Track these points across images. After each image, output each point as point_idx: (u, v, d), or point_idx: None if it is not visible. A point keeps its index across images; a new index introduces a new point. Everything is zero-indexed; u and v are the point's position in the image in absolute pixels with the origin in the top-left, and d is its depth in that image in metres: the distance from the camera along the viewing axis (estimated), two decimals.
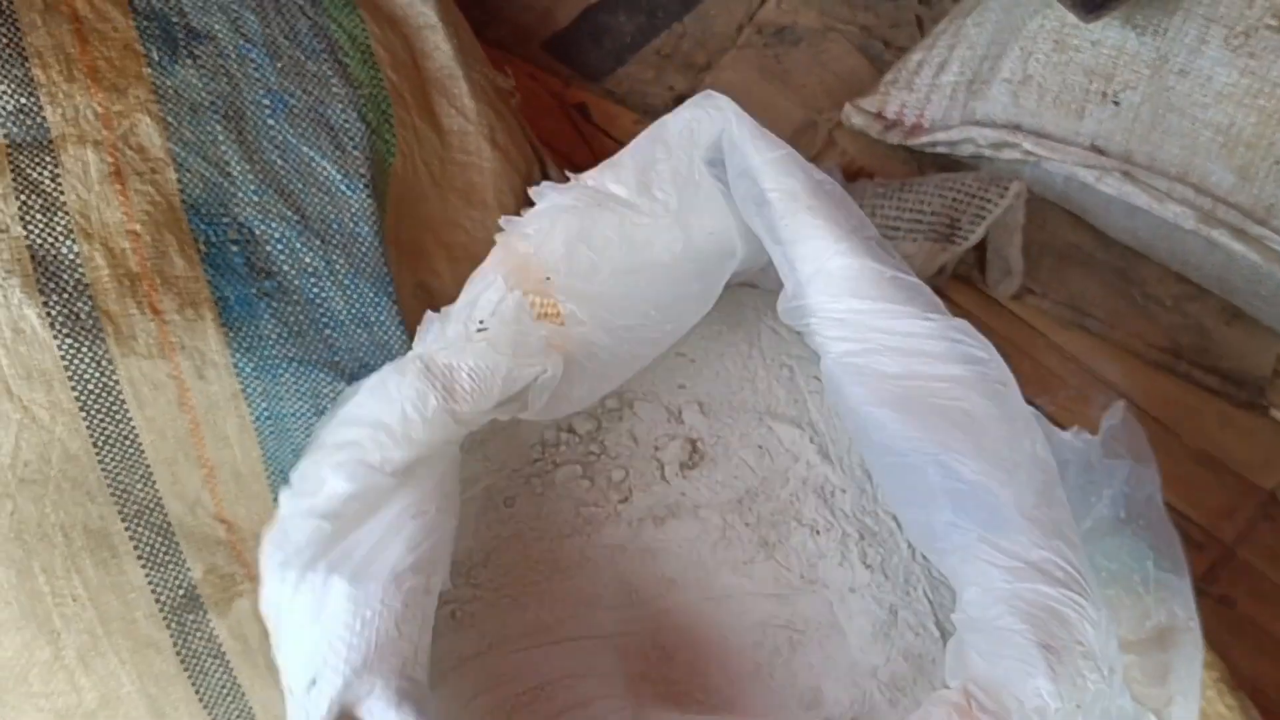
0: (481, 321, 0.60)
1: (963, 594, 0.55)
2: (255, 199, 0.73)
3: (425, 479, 0.61)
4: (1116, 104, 0.91)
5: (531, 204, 0.68)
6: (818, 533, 0.68)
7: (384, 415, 0.57)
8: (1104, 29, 0.90)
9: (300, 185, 0.75)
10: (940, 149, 1.04)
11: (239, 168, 0.73)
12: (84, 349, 0.66)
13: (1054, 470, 0.59)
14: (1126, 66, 0.90)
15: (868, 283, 0.62)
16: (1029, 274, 1.01)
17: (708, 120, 0.66)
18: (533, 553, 0.67)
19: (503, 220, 0.65)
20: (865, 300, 0.62)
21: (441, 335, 0.61)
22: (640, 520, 0.69)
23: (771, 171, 0.65)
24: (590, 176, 0.65)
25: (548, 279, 0.61)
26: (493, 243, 0.68)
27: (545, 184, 0.66)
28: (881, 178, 1.05)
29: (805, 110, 1.14)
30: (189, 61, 0.74)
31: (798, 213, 0.63)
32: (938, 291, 0.97)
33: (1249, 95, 0.85)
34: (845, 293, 0.62)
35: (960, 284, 1.02)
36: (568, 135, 1.11)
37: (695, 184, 0.66)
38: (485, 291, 0.61)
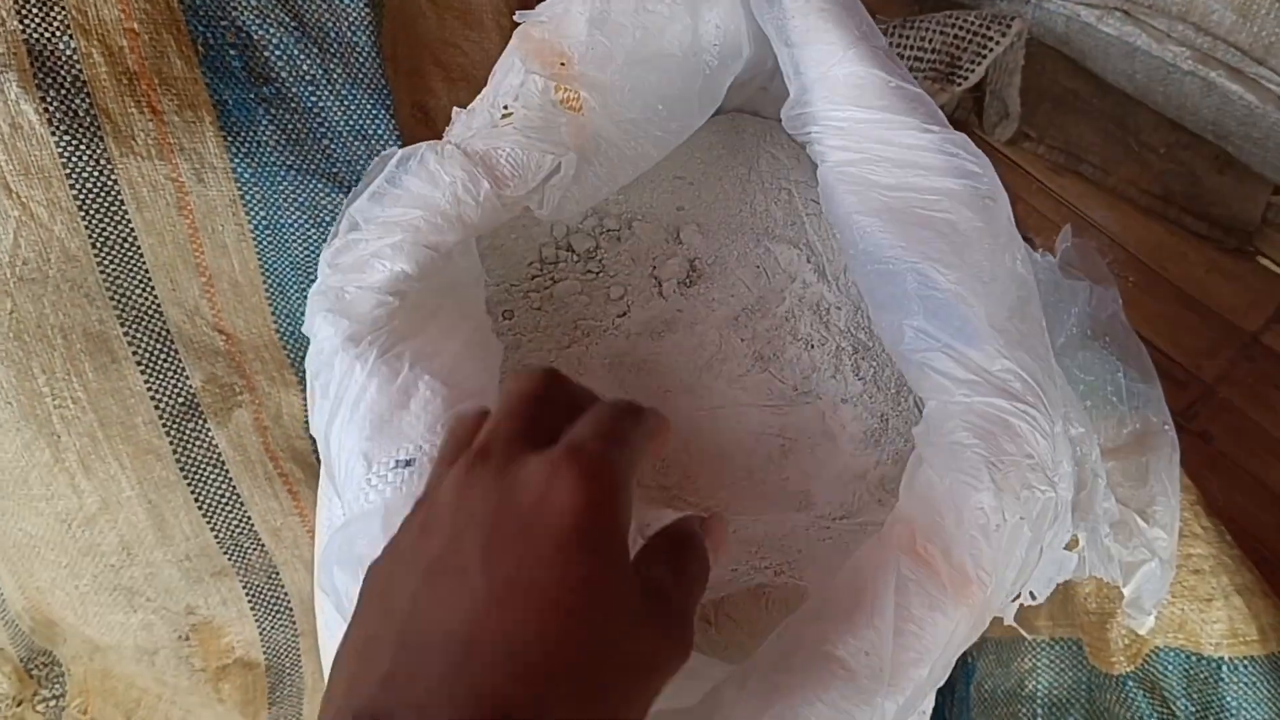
0: (506, 107, 0.60)
1: (926, 406, 0.56)
2: (254, 3, 0.71)
3: (463, 273, 0.62)
4: None
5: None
6: (812, 347, 0.69)
7: (435, 198, 0.56)
8: None
9: None
10: None
11: None
12: (82, 146, 0.65)
13: (1032, 286, 0.59)
14: None
15: (871, 91, 0.62)
16: (1025, 119, 1.01)
17: None
18: (530, 361, 0.68)
19: (518, 14, 0.64)
20: (867, 109, 0.61)
21: (468, 126, 0.60)
22: (637, 334, 0.69)
23: None
24: None
25: (563, 64, 0.61)
26: (491, 64, 0.67)
27: None
28: (883, 16, 1.03)
29: None
30: None
31: (809, 14, 0.63)
32: None
33: None
34: (848, 100, 0.62)
35: (958, 127, 1.01)
36: None
37: None
38: (507, 76, 0.61)
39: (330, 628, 0.70)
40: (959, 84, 0.95)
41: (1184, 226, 0.98)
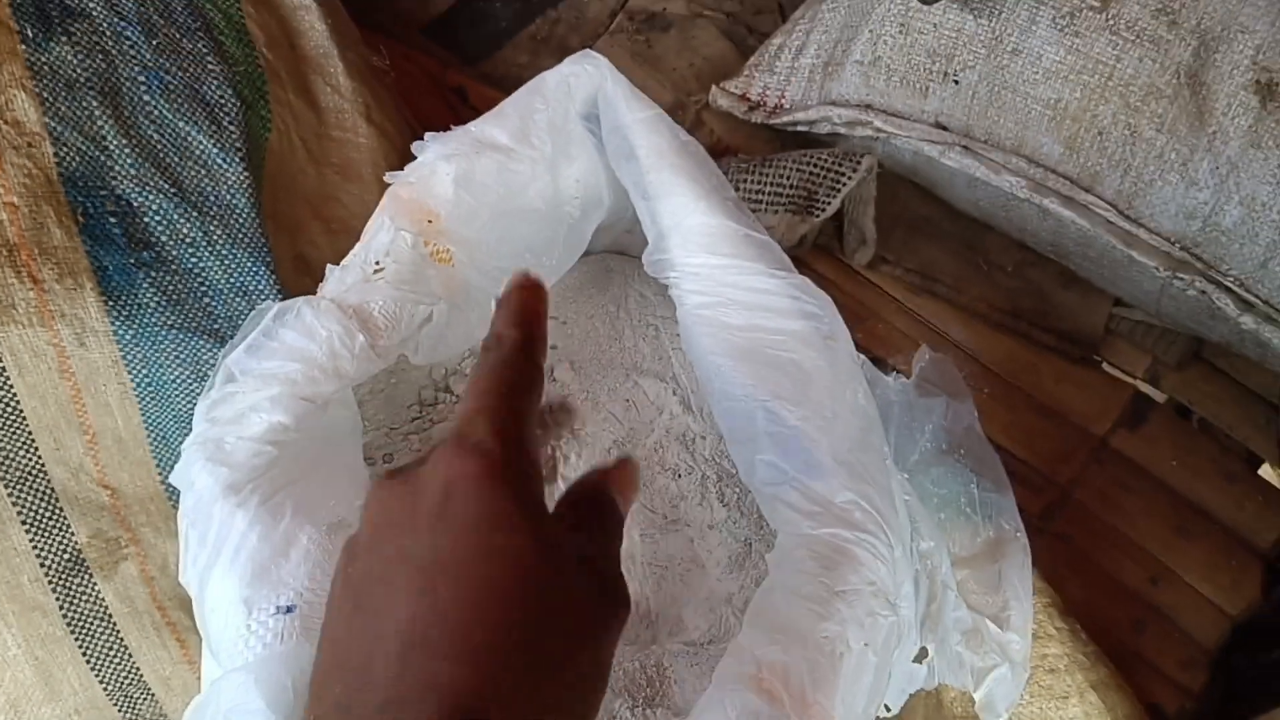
0: (378, 263, 0.63)
1: (778, 536, 0.60)
2: (132, 172, 0.75)
3: (340, 422, 0.65)
4: (957, 83, 0.98)
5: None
6: (679, 476, 0.73)
7: (312, 351, 0.59)
8: (944, 12, 0.96)
9: (177, 159, 0.77)
10: (800, 128, 1.09)
11: (115, 142, 0.75)
12: None
13: (873, 418, 0.64)
14: (965, 47, 0.96)
15: (722, 239, 0.66)
16: (882, 243, 1.07)
17: (585, 76, 0.70)
18: None
19: (388, 176, 0.68)
20: (718, 256, 0.66)
21: (341, 281, 0.64)
22: None
23: (641, 129, 0.69)
24: (473, 125, 0.69)
25: (430, 221, 0.65)
26: (370, 215, 0.71)
27: (428, 134, 0.69)
28: (745, 154, 1.10)
29: (675, 93, 1.18)
30: (64, 39, 0.75)
31: (663, 170, 0.68)
32: (799, 261, 1.03)
33: (1074, 72, 0.92)
34: (701, 248, 0.67)
35: (821, 253, 1.08)
36: (445, 116, 1.13)
37: (569, 135, 0.70)
38: (377, 235, 0.64)
39: None
40: (817, 215, 1.01)
41: (1033, 340, 1.04)
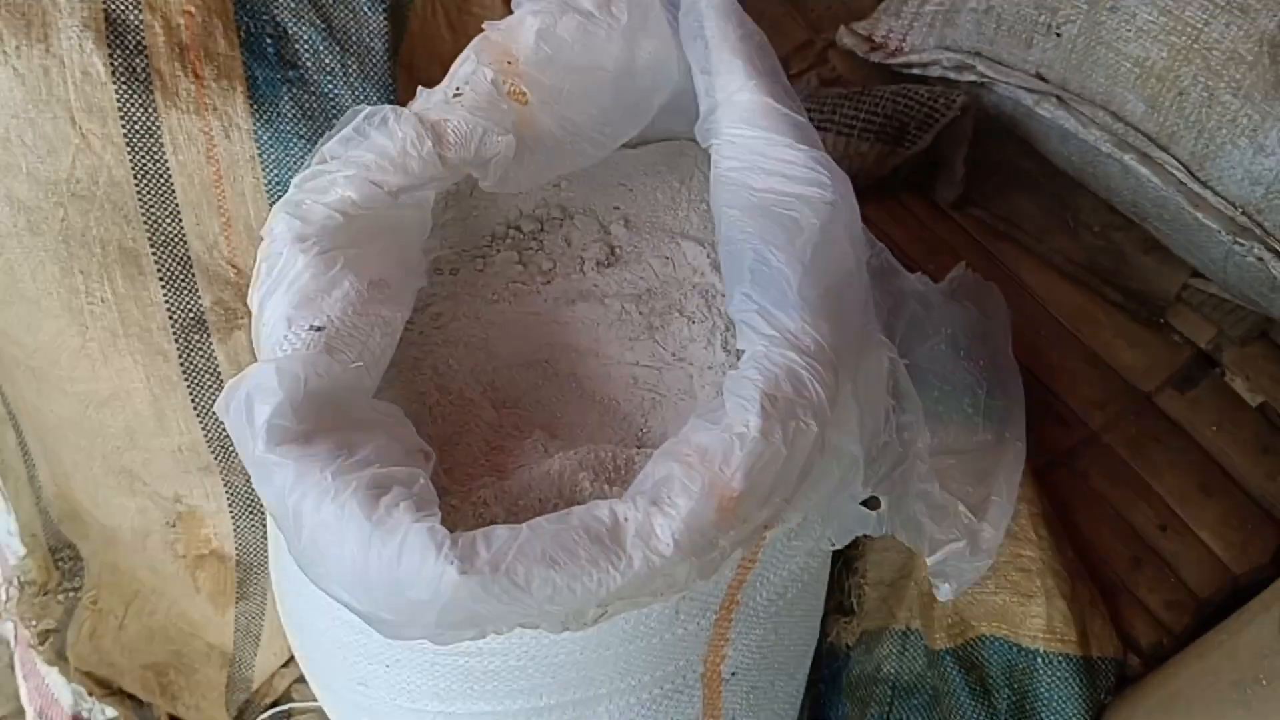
0: (458, 89, 0.75)
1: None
2: (292, 5, 0.89)
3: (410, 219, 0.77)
4: (1058, 35, 1.03)
5: None
6: (693, 323, 0.81)
7: (387, 147, 0.71)
8: None
9: (330, 2, 0.91)
10: (914, 70, 1.16)
11: None
12: (136, 96, 0.82)
13: (855, 277, 0.71)
14: (1069, 2, 1.01)
15: (762, 115, 0.75)
16: (975, 189, 1.13)
17: None
18: (463, 308, 0.82)
19: (485, 24, 0.80)
20: (755, 128, 0.75)
21: (427, 101, 0.76)
22: (556, 299, 0.83)
23: (713, 12, 0.79)
24: None
25: (510, 62, 0.76)
26: None
27: None
28: (847, 83, 1.17)
29: (808, 31, 1.26)
30: None
31: (724, 49, 0.77)
32: (891, 194, 1.10)
33: (1164, 32, 0.96)
34: (742, 121, 0.76)
35: (912, 190, 1.14)
36: None
37: (647, 11, 0.80)
38: (462, 65, 0.76)
39: (276, 539, 0.84)
40: (908, 148, 1.08)
41: (1103, 296, 1.08)
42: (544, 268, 0.86)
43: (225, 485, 0.96)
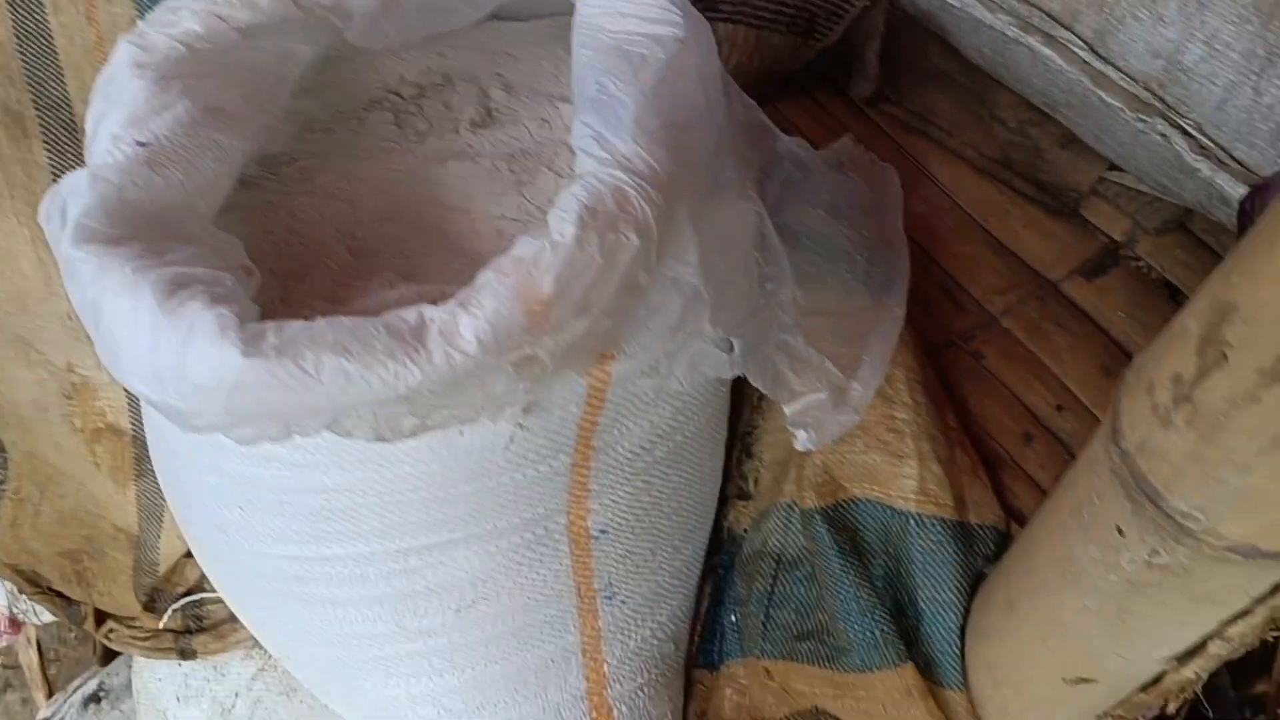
0: None
1: None
2: None
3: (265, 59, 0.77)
4: None
5: None
6: (561, 177, 0.81)
7: None
8: None
9: None
10: None
11: None
12: None
13: (703, 115, 0.70)
14: None
15: None
16: (890, 85, 1.11)
17: None
18: (332, 164, 0.82)
19: None
20: None
21: None
22: (428, 158, 0.82)
23: None
24: None
25: None
26: None
27: None
28: None
29: None
30: None
31: None
32: (805, 90, 1.09)
33: None
34: None
35: (828, 88, 1.13)
36: None
37: None
38: None
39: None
40: (818, 40, 1.07)
41: (1015, 189, 1.06)
42: (419, 129, 0.85)
43: None
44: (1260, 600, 0.60)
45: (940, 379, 0.92)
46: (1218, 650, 0.66)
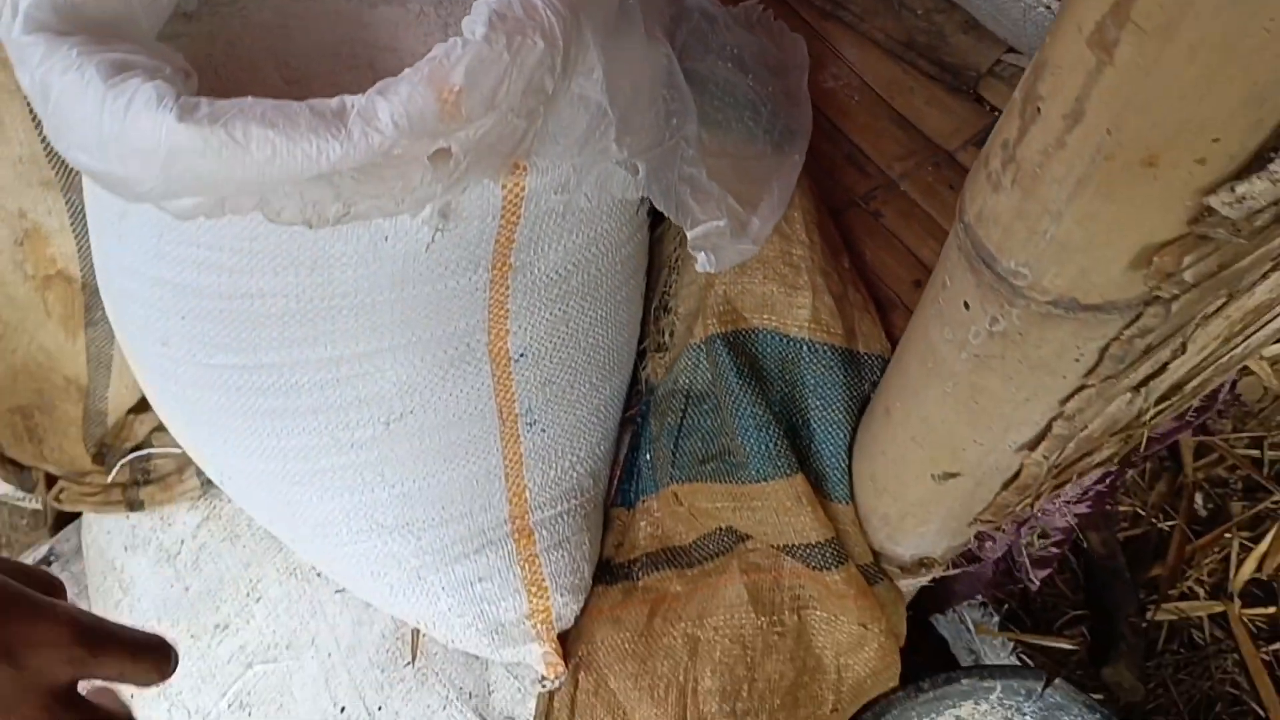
0: None
1: None
2: None
3: None
4: None
5: None
6: None
7: None
8: None
9: None
10: None
11: None
12: None
13: None
14: None
15: None
16: None
17: None
18: (269, 1, 0.87)
19: None
20: None
21: None
22: (361, 1, 0.88)
23: None
24: None
25: None
26: None
27: None
28: None
29: None
30: None
31: None
32: None
33: None
34: None
35: None
36: None
37: None
38: None
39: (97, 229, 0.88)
40: None
41: (918, 69, 1.13)
42: None
43: (67, 204, 1.01)
44: (1090, 371, 0.67)
45: (841, 235, 0.99)
46: (1061, 431, 0.74)
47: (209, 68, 0.80)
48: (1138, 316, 0.61)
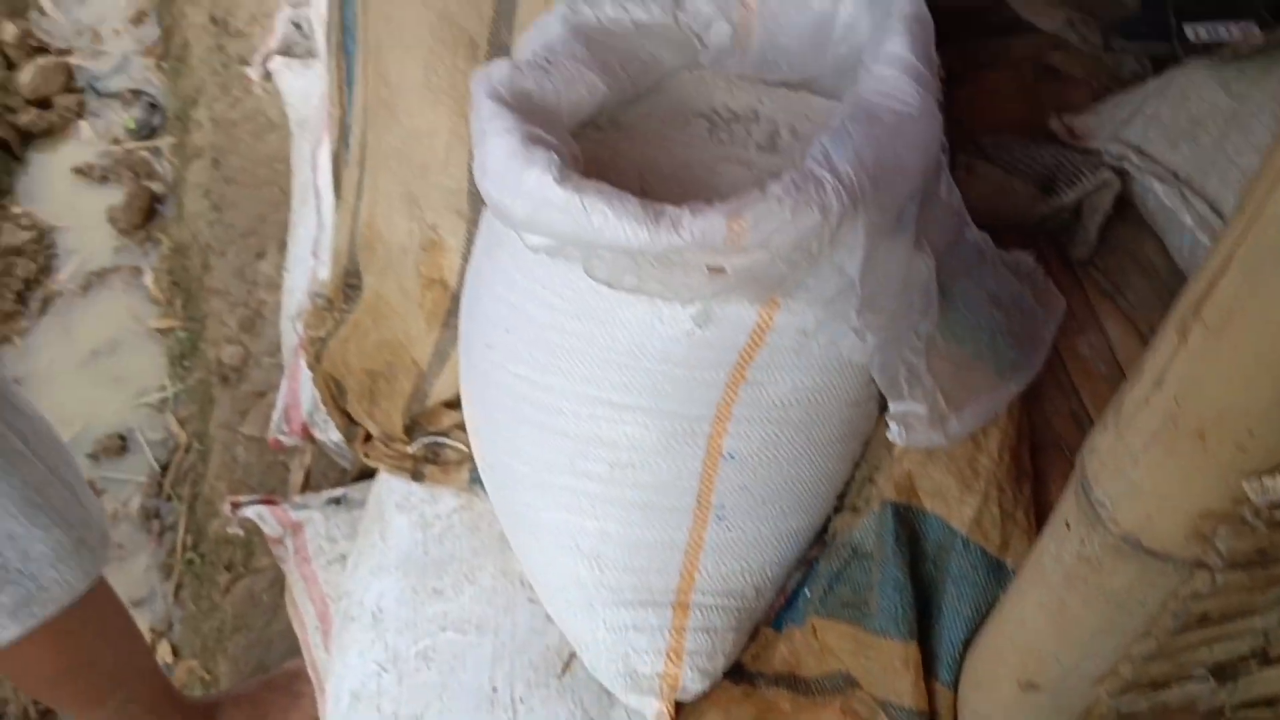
0: None
1: None
2: None
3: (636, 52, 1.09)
4: (1196, 142, 1.22)
5: None
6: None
7: None
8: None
9: None
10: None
11: None
12: None
13: (908, 169, 0.93)
14: (1209, 116, 1.20)
15: (898, 59, 1.01)
16: (1102, 257, 1.31)
17: None
18: (654, 134, 1.12)
19: None
20: (889, 66, 1.01)
21: None
22: (719, 157, 1.11)
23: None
24: None
25: None
26: None
27: None
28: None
29: (1026, 109, 1.49)
30: None
31: (895, 18, 1.03)
32: (1032, 239, 1.32)
33: None
34: (884, 60, 1.02)
35: (1052, 243, 1.34)
36: None
37: None
38: None
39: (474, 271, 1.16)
40: (1053, 200, 1.29)
41: None
42: (721, 139, 1.14)
43: (466, 231, 1.30)
44: (1154, 620, 0.77)
45: (1034, 470, 1.11)
46: (1127, 673, 0.83)
47: (592, 160, 1.05)
48: (1190, 576, 0.71)
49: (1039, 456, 1.13)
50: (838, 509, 1.21)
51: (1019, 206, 1.32)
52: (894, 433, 1.00)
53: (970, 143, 1.34)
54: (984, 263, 1.09)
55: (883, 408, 1.15)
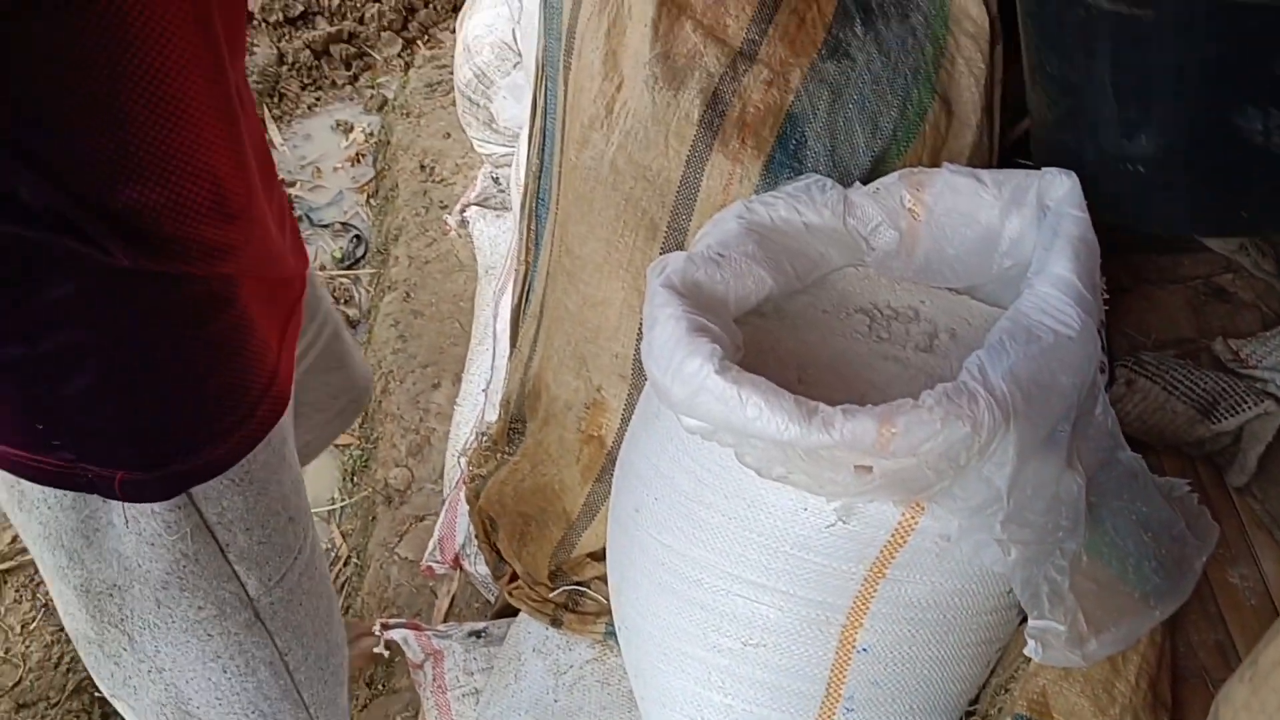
0: (877, 188, 1.12)
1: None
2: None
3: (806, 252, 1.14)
4: None
5: None
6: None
7: (815, 198, 1.11)
8: None
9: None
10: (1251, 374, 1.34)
11: None
12: (705, 136, 1.28)
13: (1063, 388, 0.95)
14: None
15: (1061, 280, 1.03)
16: (1262, 487, 1.27)
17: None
18: (816, 326, 1.16)
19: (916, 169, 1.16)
20: (1053, 287, 1.03)
21: (859, 188, 1.13)
22: (876, 353, 1.13)
23: (1069, 218, 1.08)
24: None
25: (919, 189, 1.12)
26: None
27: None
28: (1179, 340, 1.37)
29: (1195, 330, 1.47)
30: None
31: (1063, 239, 1.05)
32: (1189, 461, 1.30)
33: None
34: (1049, 282, 1.04)
35: (1209, 464, 1.31)
36: None
37: (1024, 194, 1.11)
38: (888, 180, 1.13)
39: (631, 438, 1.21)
40: (1212, 424, 1.26)
41: None
42: (880, 335, 1.17)
43: (629, 394, 1.35)
44: None
45: (1173, 697, 1.07)
46: None
47: (753, 346, 1.09)
48: None
49: (1181, 686, 1.09)
50: (969, 713, 1.18)
51: (1178, 428, 1.29)
52: (1031, 649, 0.98)
53: (1132, 356, 1.33)
54: (1136, 485, 1.08)
55: (1023, 617, 1.13)
